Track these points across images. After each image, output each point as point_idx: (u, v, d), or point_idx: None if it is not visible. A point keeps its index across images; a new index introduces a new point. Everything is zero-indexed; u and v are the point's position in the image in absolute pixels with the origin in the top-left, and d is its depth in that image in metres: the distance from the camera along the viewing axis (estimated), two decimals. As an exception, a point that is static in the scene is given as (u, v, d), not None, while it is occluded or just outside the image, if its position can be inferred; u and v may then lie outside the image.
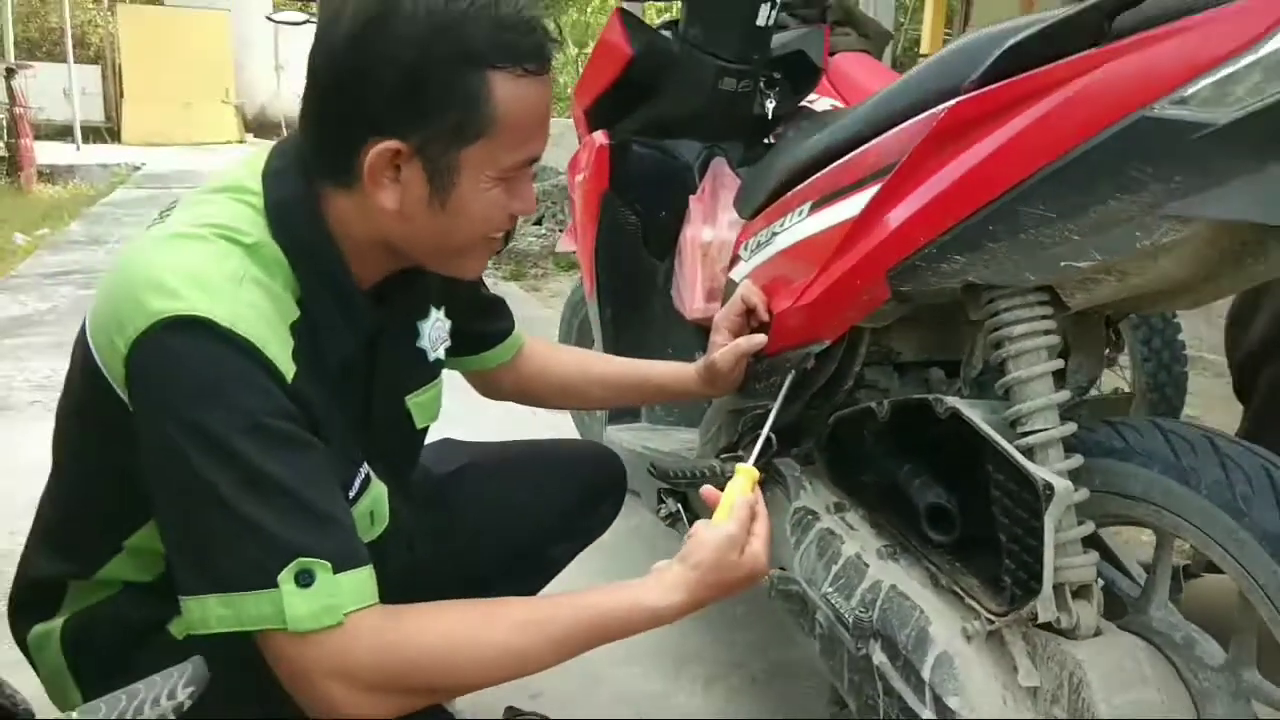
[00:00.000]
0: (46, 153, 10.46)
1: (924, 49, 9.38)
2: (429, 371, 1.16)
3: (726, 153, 1.87)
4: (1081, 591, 0.99)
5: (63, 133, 13.08)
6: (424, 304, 1.13)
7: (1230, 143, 0.79)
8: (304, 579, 0.81)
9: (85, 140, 12.97)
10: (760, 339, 1.28)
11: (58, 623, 1.03)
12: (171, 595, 0.92)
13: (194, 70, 14.64)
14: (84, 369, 0.91)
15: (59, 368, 3.44)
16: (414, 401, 1.14)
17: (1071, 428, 1.00)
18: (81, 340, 0.92)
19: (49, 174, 9.90)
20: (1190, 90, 0.81)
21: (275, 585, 0.81)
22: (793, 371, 1.24)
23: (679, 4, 1.77)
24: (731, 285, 1.52)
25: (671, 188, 1.88)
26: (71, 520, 1.04)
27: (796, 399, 1.27)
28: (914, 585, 1.08)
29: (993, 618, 0.98)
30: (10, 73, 9.34)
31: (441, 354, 1.17)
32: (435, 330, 1.15)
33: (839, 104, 2.05)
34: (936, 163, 1.01)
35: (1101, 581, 1.10)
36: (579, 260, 2.04)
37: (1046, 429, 0.99)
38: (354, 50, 0.87)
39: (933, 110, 1.02)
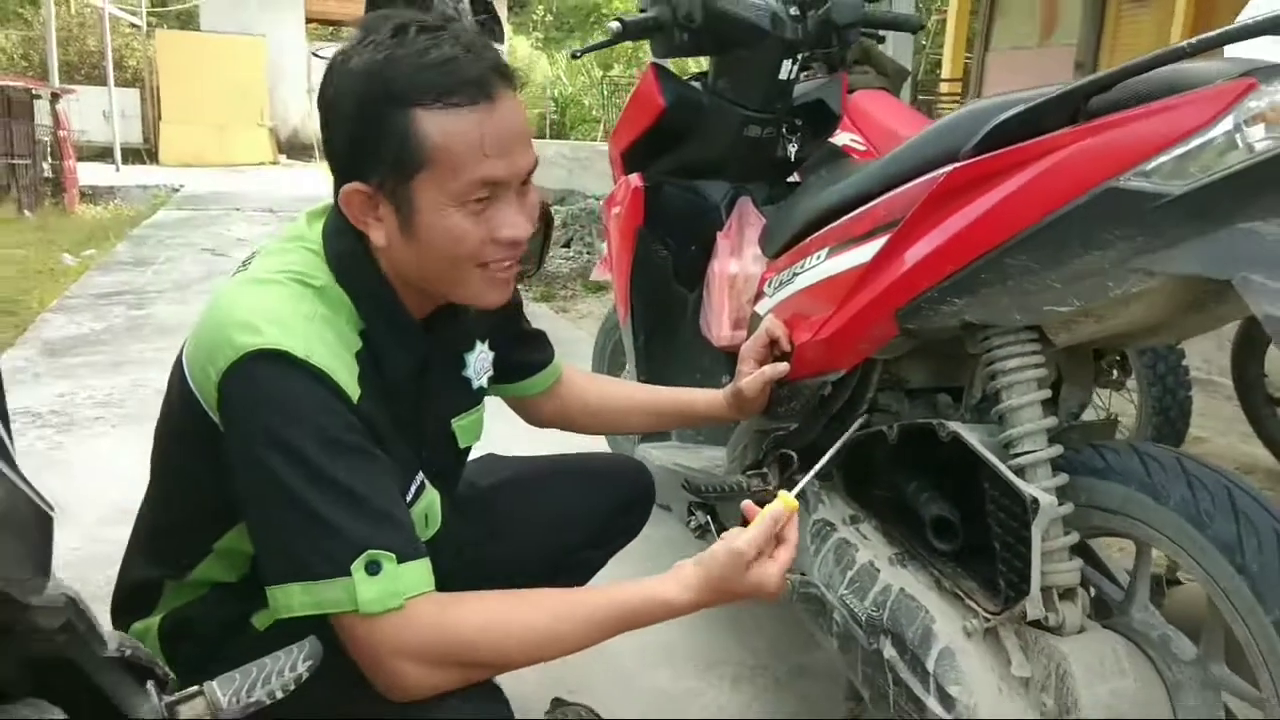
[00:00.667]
0: (87, 174, 10.76)
1: (945, 73, 9.51)
2: (473, 398, 1.29)
3: (751, 193, 2.00)
4: (1067, 594, 1.12)
5: (102, 154, 13.42)
6: (469, 337, 1.26)
7: (1183, 210, 0.93)
8: (372, 568, 0.94)
9: (124, 162, 13.29)
10: (784, 367, 1.41)
11: (155, 619, 1.17)
12: (254, 593, 1.07)
13: (229, 93, 14.98)
14: (180, 396, 1.05)
15: (119, 385, 3.67)
16: (458, 424, 1.26)
17: (1058, 450, 1.14)
18: (178, 371, 1.07)
19: (90, 195, 10.19)
20: (1151, 165, 0.96)
21: (348, 574, 0.94)
22: (847, 433, 1.35)
23: (708, 59, 1.93)
24: (756, 317, 1.67)
25: (700, 225, 2.01)
26: (168, 527, 1.18)
27: (816, 421, 1.42)
28: (920, 588, 1.22)
29: (989, 616, 1.12)
30: (55, 97, 9.65)
31: (485, 382, 1.30)
32: (479, 361, 1.28)
33: (858, 139, 2.19)
34: (937, 219, 1.16)
35: (1093, 590, 1.24)
36: (614, 289, 2.19)
37: (1035, 451, 1.13)
38: (320, 110, 1.03)
39: (933, 174, 1.17)
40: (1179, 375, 2.44)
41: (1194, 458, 1.08)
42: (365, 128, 0.99)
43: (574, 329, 4.77)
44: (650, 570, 1.07)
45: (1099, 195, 0.99)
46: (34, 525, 0.69)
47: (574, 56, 2.18)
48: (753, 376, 1.42)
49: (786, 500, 1.07)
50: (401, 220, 1.02)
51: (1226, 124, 0.92)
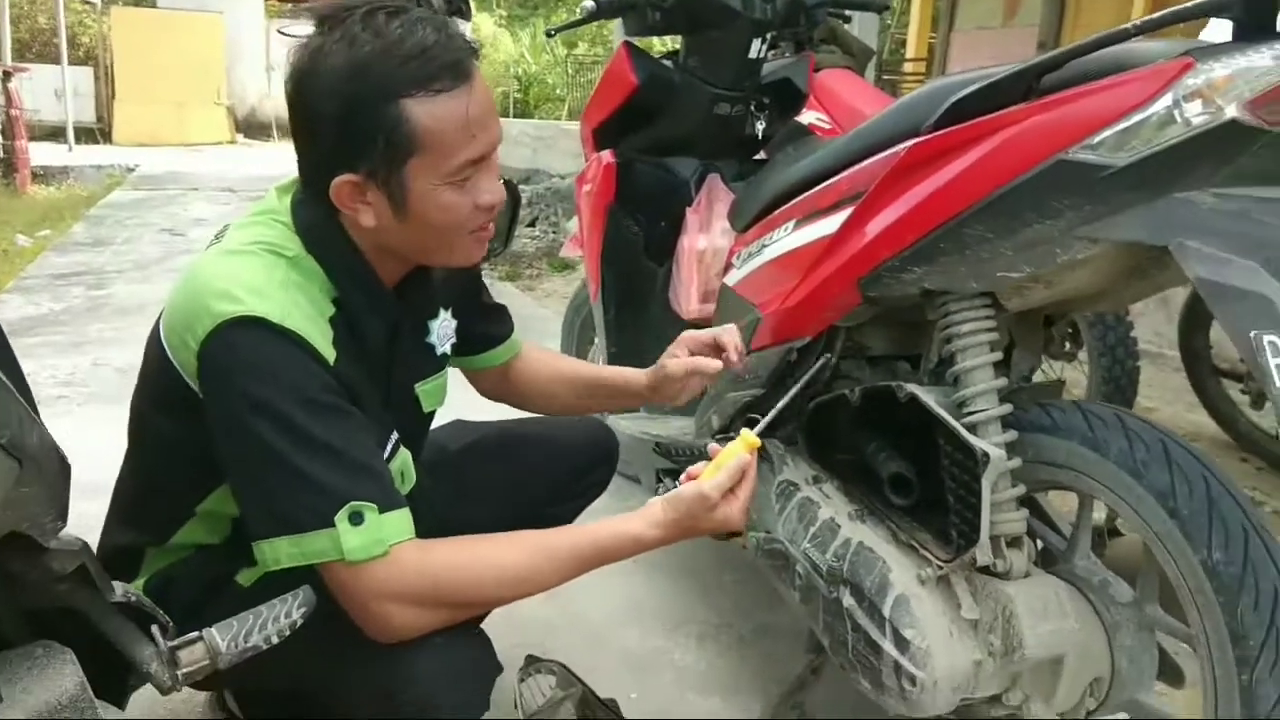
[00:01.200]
0: (40, 154, 10.52)
1: (909, 52, 9.61)
2: (436, 364, 1.33)
3: (720, 169, 2.05)
4: (1014, 542, 1.20)
5: (54, 134, 13.12)
6: (433, 305, 1.30)
7: (1126, 181, 1.01)
8: (355, 519, 0.99)
9: (77, 141, 13.01)
10: (715, 364, 1.36)
11: (138, 583, 1.21)
12: (237, 553, 1.12)
13: (186, 71, 14.69)
14: (159, 366, 1.09)
15: (80, 365, 3.65)
16: (422, 389, 1.31)
17: (1007, 408, 1.21)
18: (155, 342, 1.11)
19: (43, 175, 9.97)
20: (1097, 139, 1.02)
21: (333, 525, 0.99)
22: (818, 364, 1.42)
23: (680, 37, 1.98)
24: (725, 290, 1.73)
25: (670, 200, 2.06)
26: (148, 494, 1.22)
27: (781, 387, 1.48)
28: (878, 541, 1.29)
29: (942, 564, 1.19)
30: (7, 75, 9.43)
31: (448, 349, 1.35)
32: (443, 328, 1.32)
33: (824, 117, 2.26)
34: (898, 191, 1.22)
35: (1040, 542, 1.32)
36: (585, 265, 2.23)
37: (986, 409, 1.20)
38: (297, 106, 1.06)
39: (895, 149, 1.23)
40: (1128, 346, 2.55)
41: (1133, 414, 1.16)
42: (354, 123, 1.02)
43: (539, 307, 4.80)
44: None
45: (1049, 167, 1.05)
46: (58, 472, 0.73)
47: (548, 35, 2.22)
48: (682, 360, 1.38)
49: (749, 440, 1.14)
50: (394, 204, 1.06)
51: (1166, 100, 0.99)
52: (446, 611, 1.06)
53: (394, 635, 1.03)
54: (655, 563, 2.15)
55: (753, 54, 1.90)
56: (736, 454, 1.13)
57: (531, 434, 1.59)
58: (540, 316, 4.45)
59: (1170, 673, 1.21)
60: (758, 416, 1.50)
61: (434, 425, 1.44)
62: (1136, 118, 1.00)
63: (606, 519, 1.12)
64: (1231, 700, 1.01)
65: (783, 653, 1.82)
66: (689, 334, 1.42)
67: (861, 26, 4.91)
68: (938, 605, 1.20)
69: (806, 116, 2.16)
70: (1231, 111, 0.95)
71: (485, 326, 1.47)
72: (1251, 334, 0.88)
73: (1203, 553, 1.02)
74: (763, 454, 1.58)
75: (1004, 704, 1.22)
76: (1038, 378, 1.79)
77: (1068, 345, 2.63)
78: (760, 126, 2.01)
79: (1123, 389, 2.54)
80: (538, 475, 1.53)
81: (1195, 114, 0.97)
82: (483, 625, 1.25)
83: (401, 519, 1.04)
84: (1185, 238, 0.97)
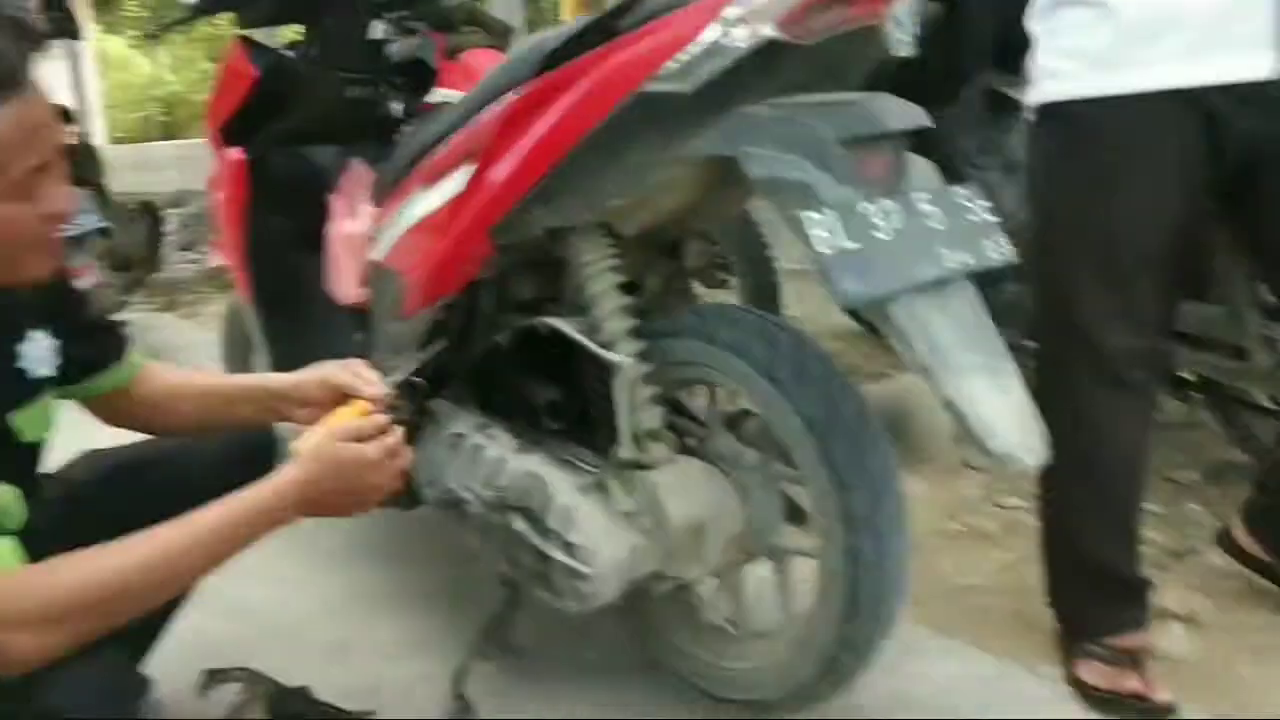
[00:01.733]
0: None
1: (564, 15, 9.97)
2: (31, 389, 1.20)
3: (363, 153, 2.07)
4: (653, 435, 1.34)
5: None
6: (18, 327, 1.19)
7: (694, 105, 1.16)
8: None
9: None
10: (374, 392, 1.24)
11: None
12: None
13: None
14: None
15: None
16: (18, 417, 1.18)
17: (634, 322, 1.35)
18: None
19: None
20: (666, 71, 1.17)
21: None
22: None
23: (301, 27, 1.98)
24: (374, 266, 1.75)
25: (313, 190, 2.02)
26: None
27: (436, 345, 1.54)
28: (540, 465, 1.38)
29: (594, 470, 1.31)
30: None
31: (46, 371, 1.22)
32: (35, 350, 1.21)
33: (467, 97, 2.33)
34: (509, 143, 1.32)
35: (691, 440, 1.47)
36: (232, 271, 2.16)
37: (615, 325, 1.33)
38: None
39: (500, 101, 1.33)
40: (768, 265, 2.87)
41: (736, 306, 1.34)
42: None
43: (203, 332, 4.49)
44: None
45: (632, 101, 1.19)
46: None
47: (149, 38, 2.13)
48: (335, 369, 1.27)
49: (359, 406, 1.18)
50: None
51: (716, 29, 1.14)
52: (77, 625, 0.99)
53: (19, 665, 0.96)
54: (344, 554, 2.14)
55: (376, 35, 1.94)
56: (346, 416, 1.15)
57: (175, 445, 1.44)
58: (205, 342, 4.17)
59: (795, 515, 1.39)
60: (419, 380, 1.55)
61: (67, 458, 1.34)
62: (693, 49, 1.16)
63: (241, 493, 1.09)
64: (835, 517, 1.22)
65: (484, 598, 1.86)
66: (359, 364, 1.30)
67: (509, 6, 5.17)
68: (595, 506, 1.32)
69: (450, 96, 2.22)
70: (767, 31, 1.12)
71: (92, 349, 1.33)
72: (794, 213, 1.06)
73: (796, 404, 1.20)
74: (430, 417, 1.63)
75: (666, 577, 1.36)
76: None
77: (720, 275, 2.92)
78: (398, 107, 2.05)
79: (765, 304, 2.84)
80: (187, 488, 1.27)
81: (741, 38, 1.13)
82: (164, 653, 1.22)
83: (9, 546, 0.98)
84: (748, 146, 1.14)
